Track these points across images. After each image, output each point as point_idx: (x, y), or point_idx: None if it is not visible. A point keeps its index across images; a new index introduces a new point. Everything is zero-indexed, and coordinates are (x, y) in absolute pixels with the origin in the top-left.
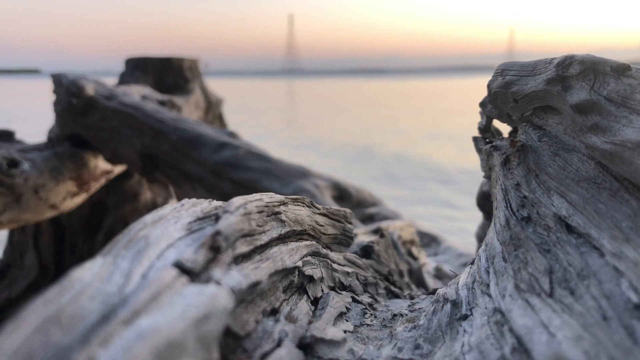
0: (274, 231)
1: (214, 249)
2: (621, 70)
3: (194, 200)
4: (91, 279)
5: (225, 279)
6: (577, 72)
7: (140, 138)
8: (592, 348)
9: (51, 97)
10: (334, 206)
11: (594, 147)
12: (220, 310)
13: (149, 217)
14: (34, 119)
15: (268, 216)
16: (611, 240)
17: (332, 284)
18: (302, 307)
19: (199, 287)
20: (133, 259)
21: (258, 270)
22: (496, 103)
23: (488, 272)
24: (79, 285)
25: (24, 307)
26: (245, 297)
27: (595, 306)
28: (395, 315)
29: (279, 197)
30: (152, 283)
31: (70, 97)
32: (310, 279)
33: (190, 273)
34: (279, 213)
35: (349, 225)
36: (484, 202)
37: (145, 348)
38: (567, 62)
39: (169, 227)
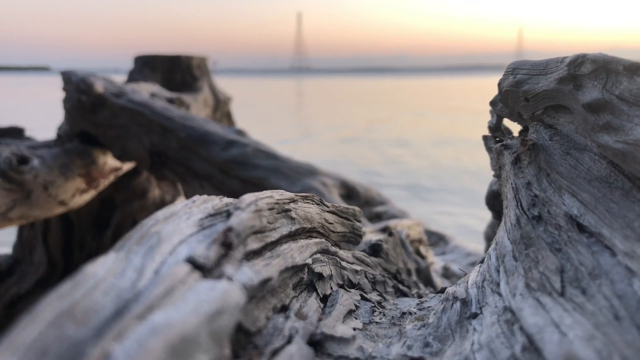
0: (284, 228)
1: (226, 245)
2: (634, 69)
3: (205, 196)
4: (104, 274)
5: (237, 275)
6: (589, 71)
7: (149, 135)
8: (604, 347)
9: (60, 94)
10: (343, 204)
11: (606, 147)
12: (232, 306)
13: (160, 214)
14: (43, 115)
15: (278, 213)
16: (623, 239)
17: (341, 282)
18: (312, 304)
19: (212, 282)
20: (145, 255)
21: (269, 267)
22: (507, 102)
23: (498, 271)
24: (92, 280)
25: (37, 302)
26: (256, 293)
27: (607, 305)
28: (404, 313)
29: (289, 195)
30: (165, 278)
31: (80, 94)
32: (320, 276)
33: (202, 269)
34: (289, 210)
35: (357, 224)
36: (493, 201)
37: (159, 343)
38: (579, 61)
39: (181, 223)
